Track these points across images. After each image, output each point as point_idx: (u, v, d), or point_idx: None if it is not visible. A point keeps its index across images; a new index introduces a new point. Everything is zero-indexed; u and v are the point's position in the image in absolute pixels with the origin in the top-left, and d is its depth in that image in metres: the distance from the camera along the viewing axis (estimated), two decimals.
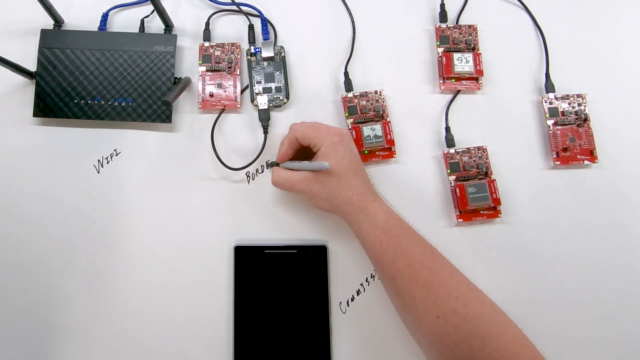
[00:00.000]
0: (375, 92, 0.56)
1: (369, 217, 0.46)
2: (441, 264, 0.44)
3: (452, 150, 0.55)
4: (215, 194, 0.54)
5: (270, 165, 0.52)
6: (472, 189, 0.53)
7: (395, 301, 0.47)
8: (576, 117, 0.56)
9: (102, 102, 0.55)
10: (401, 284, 0.44)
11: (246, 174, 0.55)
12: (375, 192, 0.49)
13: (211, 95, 0.56)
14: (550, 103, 0.56)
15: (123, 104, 0.55)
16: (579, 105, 0.56)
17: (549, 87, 0.57)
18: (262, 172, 0.55)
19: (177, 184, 0.55)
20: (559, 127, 0.56)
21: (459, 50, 0.57)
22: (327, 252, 0.53)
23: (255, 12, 0.58)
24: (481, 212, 0.54)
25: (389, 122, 0.55)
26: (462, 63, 0.56)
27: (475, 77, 0.57)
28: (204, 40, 0.57)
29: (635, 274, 0.53)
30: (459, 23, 0.59)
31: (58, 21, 0.56)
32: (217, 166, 0.54)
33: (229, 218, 0.54)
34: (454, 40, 0.58)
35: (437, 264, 0.44)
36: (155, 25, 0.58)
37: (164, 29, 0.57)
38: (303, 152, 0.51)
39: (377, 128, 0.54)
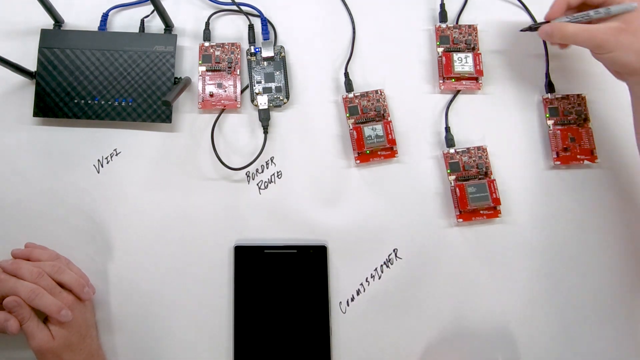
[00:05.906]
0: (376, 91, 0.56)
1: None
2: None
3: (452, 150, 0.55)
4: (215, 194, 0.54)
5: (534, 27, 0.46)
6: (472, 188, 0.53)
7: None
8: (576, 117, 0.56)
9: (102, 102, 0.55)
10: None
11: (246, 174, 0.55)
12: None
13: (211, 95, 0.56)
14: (551, 103, 0.56)
15: (123, 104, 0.55)
16: (579, 105, 0.56)
17: (549, 87, 0.57)
18: (262, 172, 0.55)
19: (177, 184, 0.55)
20: (559, 127, 0.56)
21: (458, 50, 0.57)
22: (327, 252, 0.53)
23: (255, 12, 0.58)
24: (481, 212, 0.54)
25: (390, 121, 0.55)
26: (462, 63, 0.56)
27: (475, 77, 0.57)
28: (204, 40, 0.57)
29: (636, 274, 0.53)
30: (459, 23, 0.59)
31: (58, 21, 0.56)
32: (217, 166, 0.54)
33: (229, 218, 0.54)
34: (454, 40, 0.58)
35: None
36: (155, 25, 0.58)
37: (164, 29, 0.57)
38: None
39: (379, 128, 0.54)
